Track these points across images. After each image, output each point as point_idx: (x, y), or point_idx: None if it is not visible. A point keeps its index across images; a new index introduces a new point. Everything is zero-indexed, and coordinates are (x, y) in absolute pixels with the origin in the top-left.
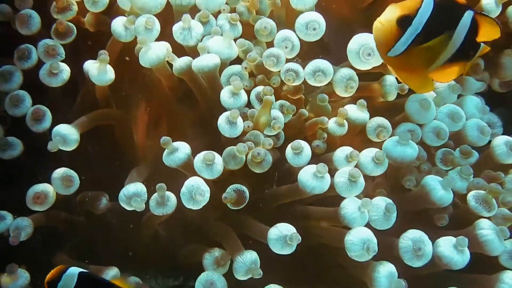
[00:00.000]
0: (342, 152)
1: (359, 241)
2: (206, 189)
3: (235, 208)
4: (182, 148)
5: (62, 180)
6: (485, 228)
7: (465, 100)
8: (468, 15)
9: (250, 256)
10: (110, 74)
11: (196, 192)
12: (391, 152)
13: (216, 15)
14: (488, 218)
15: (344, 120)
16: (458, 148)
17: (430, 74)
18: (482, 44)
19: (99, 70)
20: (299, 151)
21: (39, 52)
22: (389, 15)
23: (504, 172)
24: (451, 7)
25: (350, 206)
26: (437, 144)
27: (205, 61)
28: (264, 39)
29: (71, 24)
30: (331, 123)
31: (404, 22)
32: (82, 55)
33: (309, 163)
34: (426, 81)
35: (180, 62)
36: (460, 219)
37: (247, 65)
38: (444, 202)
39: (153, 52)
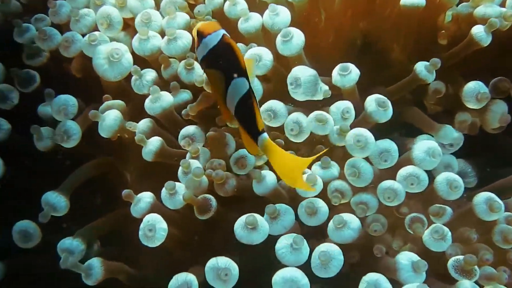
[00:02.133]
0: None
1: (281, 280)
2: (161, 227)
3: (201, 217)
4: (144, 198)
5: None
6: None
7: (416, 143)
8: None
9: (185, 276)
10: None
11: (146, 227)
12: (331, 235)
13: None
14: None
15: None
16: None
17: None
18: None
19: None
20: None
21: None
22: None
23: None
24: None
25: (282, 241)
26: (391, 204)
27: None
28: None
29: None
30: None
31: None
32: None
33: None
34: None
35: (142, 127)
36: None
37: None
38: (409, 283)
39: (106, 123)
